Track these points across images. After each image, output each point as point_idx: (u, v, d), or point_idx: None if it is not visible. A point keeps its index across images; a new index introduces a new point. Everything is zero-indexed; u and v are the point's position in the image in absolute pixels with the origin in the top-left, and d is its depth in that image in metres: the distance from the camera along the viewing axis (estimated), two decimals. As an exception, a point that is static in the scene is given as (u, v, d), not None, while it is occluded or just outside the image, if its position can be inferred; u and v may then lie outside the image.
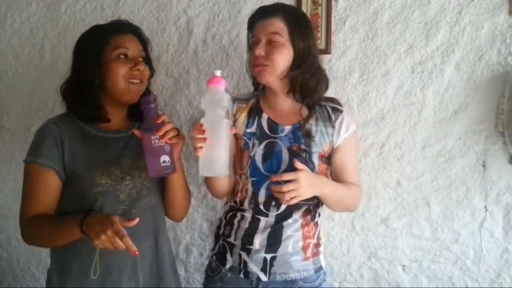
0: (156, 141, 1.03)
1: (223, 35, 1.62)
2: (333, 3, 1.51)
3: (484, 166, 1.47)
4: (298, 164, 1.08)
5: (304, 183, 1.06)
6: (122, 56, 1.13)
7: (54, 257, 1.18)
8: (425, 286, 1.57)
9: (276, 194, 1.10)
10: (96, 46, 1.13)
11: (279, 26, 1.14)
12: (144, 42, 1.21)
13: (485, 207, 1.49)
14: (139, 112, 1.16)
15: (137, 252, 0.95)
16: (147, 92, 1.26)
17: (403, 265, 1.58)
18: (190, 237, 1.75)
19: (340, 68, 1.53)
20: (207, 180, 1.23)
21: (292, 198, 1.07)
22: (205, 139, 1.02)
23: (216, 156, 1.04)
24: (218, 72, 1.08)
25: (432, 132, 1.49)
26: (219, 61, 1.63)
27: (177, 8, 1.65)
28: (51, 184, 1.10)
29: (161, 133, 1.03)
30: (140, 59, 1.17)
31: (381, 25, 1.49)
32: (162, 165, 1.04)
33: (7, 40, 1.79)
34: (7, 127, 1.85)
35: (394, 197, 1.55)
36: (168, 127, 1.04)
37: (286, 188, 1.05)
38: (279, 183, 1.08)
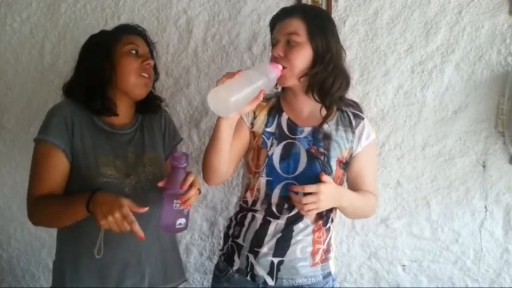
0: (177, 205, 1.03)
1: (223, 35, 1.62)
2: (333, 3, 1.51)
3: (484, 166, 1.47)
4: (324, 177, 1.07)
5: (325, 197, 1.06)
6: (133, 52, 1.17)
7: (62, 238, 1.19)
8: (425, 286, 1.57)
9: (296, 204, 1.10)
10: (107, 42, 1.17)
11: (297, 25, 1.13)
12: (150, 45, 1.25)
13: (485, 207, 1.49)
14: (145, 105, 1.24)
15: (144, 237, 0.96)
16: (164, 108, 1.32)
17: (403, 265, 1.58)
18: (190, 237, 1.75)
19: (340, 68, 1.53)
20: (207, 156, 1.14)
21: (311, 210, 1.07)
22: (234, 74, 1.00)
23: (233, 94, 0.97)
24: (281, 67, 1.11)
25: (432, 132, 1.50)
26: (219, 61, 1.63)
27: (177, 8, 1.65)
28: (59, 163, 1.11)
29: (184, 200, 1.03)
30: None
31: (381, 25, 1.49)
32: (176, 226, 1.05)
33: (7, 40, 1.79)
34: (7, 127, 1.84)
35: (394, 197, 1.55)
36: (192, 193, 1.03)
37: (306, 200, 1.05)
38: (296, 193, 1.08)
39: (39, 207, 1.10)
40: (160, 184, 1.05)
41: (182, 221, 1.05)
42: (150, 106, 1.27)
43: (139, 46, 1.19)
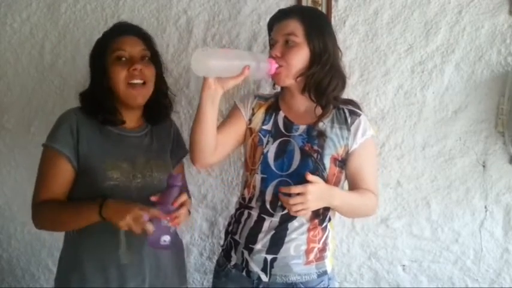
0: (165, 222, 1.05)
1: (223, 35, 1.62)
2: (333, 3, 1.51)
3: (484, 166, 1.47)
4: (310, 176, 1.07)
5: (312, 197, 1.06)
6: (121, 59, 1.14)
7: (69, 239, 1.20)
8: (425, 286, 1.57)
9: (285, 205, 1.10)
10: (99, 52, 1.16)
11: (294, 26, 1.15)
12: (147, 40, 1.21)
13: (485, 207, 1.49)
14: (154, 113, 1.24)
15: (152, 232, 1.00)
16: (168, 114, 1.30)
17: (403, 265, 1.58)
18: (190, 237, 1.75)
19: (340, 68, 1.53)
20: (192, 133, 1.15)
21: (300, 210, 1.07)
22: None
23: (216, 59, 1.03)
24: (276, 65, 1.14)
25: (432, 132, 1.50)
26: (219, 61, 1.63)
27: (177, 8, 1.65)
28: (63, 170, 1.12)
29: (172, 219, 1.05)
30: (144, 58, 1.18)
31: (381, 25, 1.49)
32: (161, 243, 1.06)
33: (7, 40, 1.79)
34: (7, 127, 1.85)
35: (394, 197, 1.55)
36: (181, 212, 1.06)
37: (293, 201, 1.06)
38: (288, 194, 1.07)
39: (44, 212, 1.12)
40: (152, 198, 1.07)
41: (167, 238, 1.05)
42: (157, 117, 1.26)
43: (126, 50, 1.14)
